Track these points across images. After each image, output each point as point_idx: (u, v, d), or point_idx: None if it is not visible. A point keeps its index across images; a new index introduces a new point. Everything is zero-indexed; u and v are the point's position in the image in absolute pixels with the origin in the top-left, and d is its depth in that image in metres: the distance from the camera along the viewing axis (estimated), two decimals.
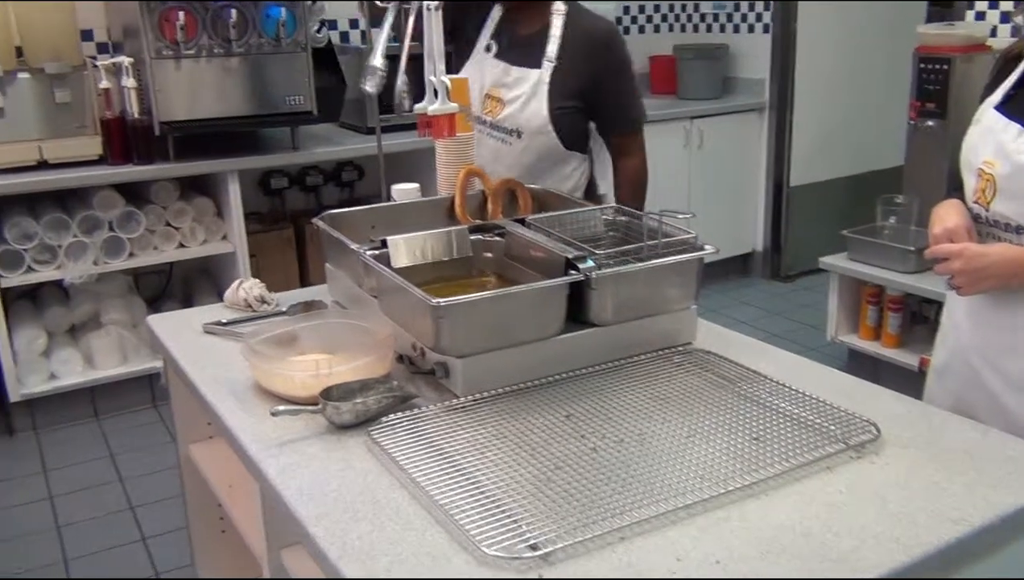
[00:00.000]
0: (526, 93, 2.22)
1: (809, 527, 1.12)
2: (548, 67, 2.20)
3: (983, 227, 1.60)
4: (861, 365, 3.65)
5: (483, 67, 2.30)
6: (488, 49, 2.30)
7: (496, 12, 2.31)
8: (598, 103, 2.24)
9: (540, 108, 2.21)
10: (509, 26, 2.29)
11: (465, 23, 2.33)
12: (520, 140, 2.25)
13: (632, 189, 2.38)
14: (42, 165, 3.37)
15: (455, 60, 2.34)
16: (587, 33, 2.22)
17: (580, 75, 2.20)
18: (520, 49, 2.25)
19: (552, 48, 2.20)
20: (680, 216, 1.65)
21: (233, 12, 3.38)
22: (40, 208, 3.44)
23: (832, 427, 1.34)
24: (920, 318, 3.59)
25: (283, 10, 3.47)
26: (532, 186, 2.09)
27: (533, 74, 2.22)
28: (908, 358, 3.49)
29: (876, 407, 1.41)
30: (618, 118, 2.32)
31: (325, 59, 3.80)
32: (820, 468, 1.25)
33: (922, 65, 3.64)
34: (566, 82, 2.21)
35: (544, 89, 2.20)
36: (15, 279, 3.36)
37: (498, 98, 2.27)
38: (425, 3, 1.88)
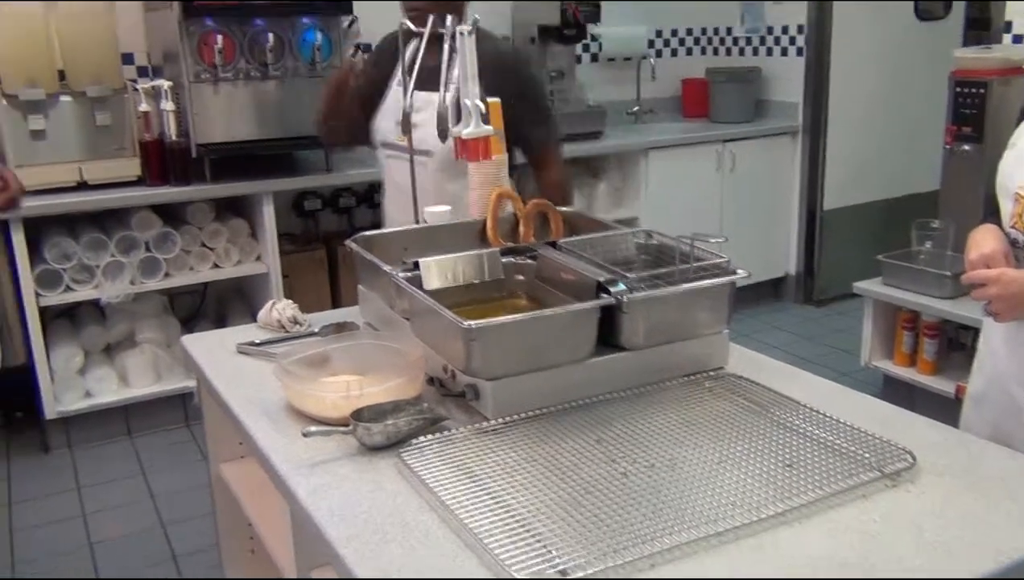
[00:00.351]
0: (433, 115, 2.28)
1: (845, 557, 1.10)
2: (453, 89, 2.25)
3: (1020, 252, 1.57)
4: (896, 392, 3.60)
5: (395, 98, 2.43)
6: (400, 83, 2.41)
7: (410, 49, 2.40)
8: (506, 123, 2.26)
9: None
10: (424, 60, 2.36)
11: (380, 70, 2.52)
12: (432, 159, 2.36)
13: (549, 199, 2.37)
14: (82, 186, 3.43)
15: (376, 101, 2.53)
16: (491, 57, 2.27)
17: (492, 91, 2.23)
18: (428, 77, 2.31)
19: (456, 72, 2.24)
20: (712, 240, 1.65)
21: (270, 36, 3.44)
22: (79, 228, 3.50)
23: (866, 455, 1.32)
24: (956, 344, 3.54)
25: (319, 34, 3.53)
26: (564, 209, 2.10)
27: (434, 97, 2.27)
28: (944, 385, 3.44)
29: (911, 435, 1.39)
30: (527, 137, 2.41)
31: None
32: (855, 496, 1.23)
33: (958, 89, 3.61)
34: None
35: (449, 110, 2.27)
36: (54, 298, 3.41)
37: (409, 123, 2.37)
38: (458, 28, 1.90)
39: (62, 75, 3.50)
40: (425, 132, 2.32)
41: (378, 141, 2.55)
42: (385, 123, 2.50)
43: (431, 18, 2.26)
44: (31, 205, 3.21)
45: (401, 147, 2.42)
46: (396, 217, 2.55)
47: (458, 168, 2.31)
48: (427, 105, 2.32)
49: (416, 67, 2.35)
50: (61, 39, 3.48)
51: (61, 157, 3.43)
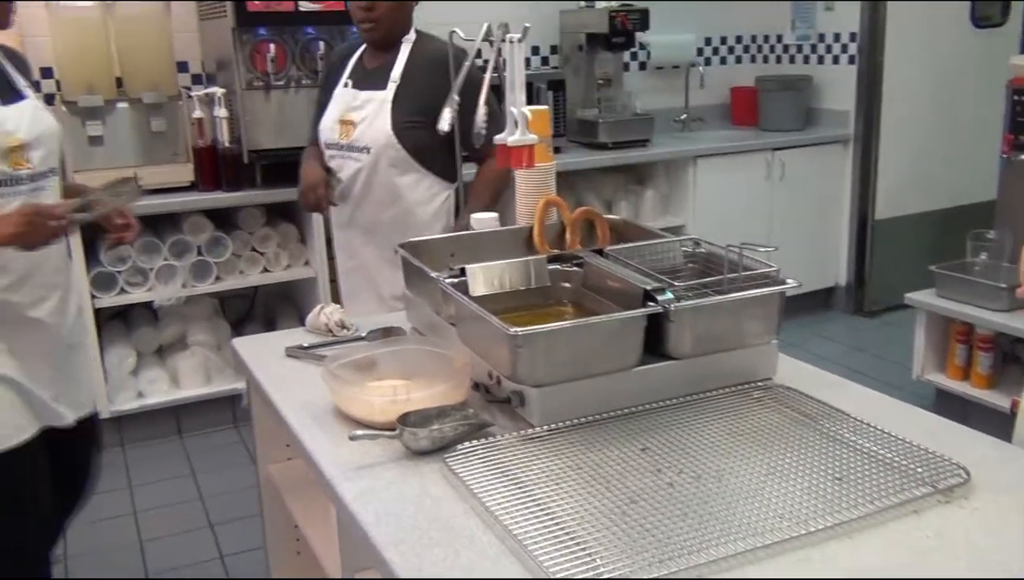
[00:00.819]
0: (372, 112, 2.47)
1: (896, 574, 1.08)
2: (392, 87, 2.45)
3: None
4: (949, 405, 3.52)
5: (339, 99, 2.58)
6: (345, 85, 2.58)
7: (354, 57, 2.59)
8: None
9: (384, 124, 2.46)
10: (363, 63, 2.57)
11: (330, 79, 2.66)
12: (370, 156, 2.49)
13: (484, 182, 2.55)
14: None
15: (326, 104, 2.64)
16: (431, 56, 2.47)
17: (423, 93, 2.41)
18: (370, 78, 2.52)
19: (396, 71, 2.46)
20: (761, 249, 1.63)
21: (321, 44, 3.49)
22: None
23: (919, 469, 1.29)
24: (1012, 358, 3.46)
25: None
26: (611, 217, 2.09)
27: (379, 95, 2.47)
28: (999, 399, 3.36)
29: (965, 450, 1.35)
30: (466, 134, 2.40)
31: None
32: (906, 511, 1.21)
33: (1016, 97, 3.53)
34: (410, 99, 2.44)
35: (388, 107, 2.45)
36: (108, 300, 3.49)
37: (349, 121, 2.52)
38: (508, 36, 1.90)
39: (119, 82, 3.58)
40: (362, 129, 2.49)
41: (322, 142, 2.63)
42: (327, 124, 2.61)
43: (383, 26, 2.44)
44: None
45: (342, 145, 2.56)
46: (335, 214, 2.69)
47: (406, 165, 2.49)
48: (366, 104, 2.49)
49: (351, 68, 2.56)
50: (119, 48, 3.56)
51: (117, 162, 3.51)
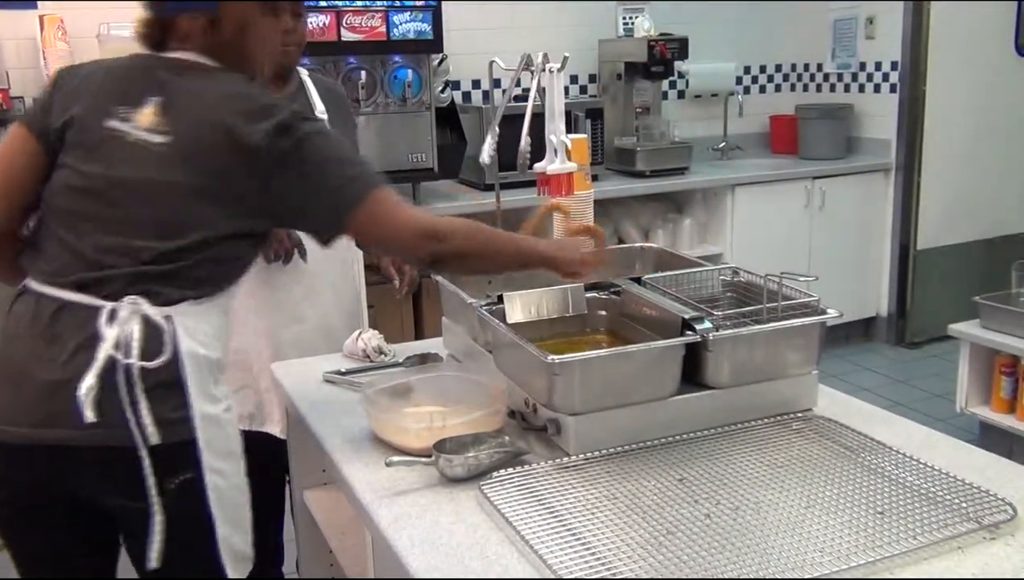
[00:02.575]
0: None
1: None
2: (324, 119, 2.26)
3: None
4: (993, 439, 3.45)
5: None
6: None
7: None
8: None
9: None
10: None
11: None
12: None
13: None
14: None
15: None
16: (330, 90, 2.38)
17: (339, 125, 2.28)
18: None
19: (317, 103, 2.30)
20: (801, 278, 1.62)
21: (363, 73, 3.54)
22: None
23: (963, 504, 1.27)
24: None
25: (410, 72, 3.62)
26: (649, 245, 2.09)
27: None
28: None
29: (1011, 485, 1.33)
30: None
31: (447, 118, 3.91)
32: (950, 548, 1.18)
33: None
34: (339, 132, 2.27)
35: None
36: None
37: None
38: (548, 65, 1.92)
39: None
40: None
41: None
42: None
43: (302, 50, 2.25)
44: None
45: None
46: None
47: None
48: None
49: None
50: None
51: None
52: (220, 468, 1.42)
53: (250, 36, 1.51)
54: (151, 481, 1.34)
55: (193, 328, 1.41)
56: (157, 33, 1.49)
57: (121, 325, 1.35)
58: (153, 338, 1.36)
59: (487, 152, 2.08)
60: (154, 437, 1.34)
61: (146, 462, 1.34)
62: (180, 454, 1.38)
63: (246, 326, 2.16)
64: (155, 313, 1.37)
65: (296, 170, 1.40)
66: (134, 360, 1.34)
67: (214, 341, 1.45)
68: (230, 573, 1.45)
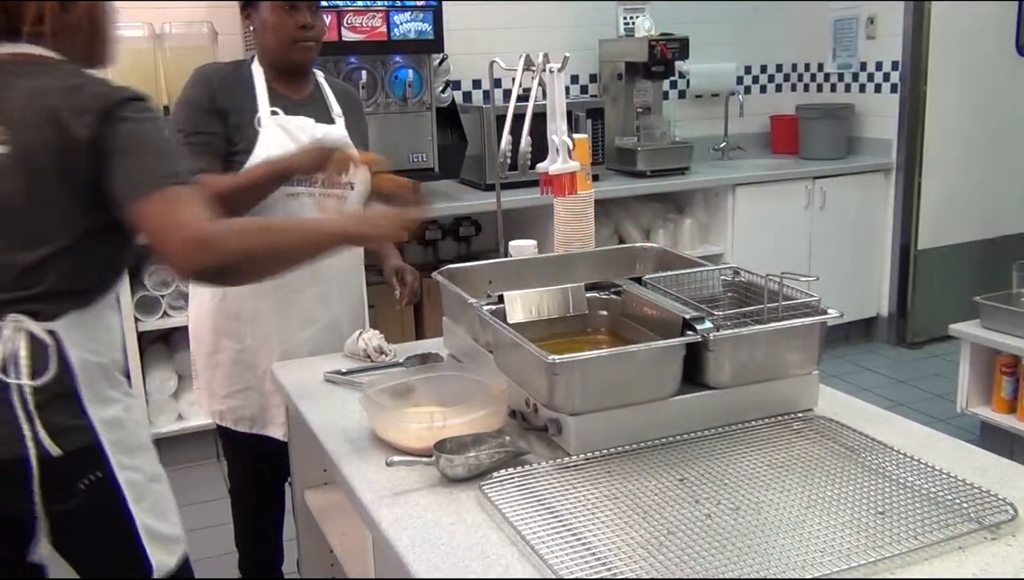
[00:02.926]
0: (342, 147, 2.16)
1: None
2: (340, 122, 2.26)
3: None
4: (994, 440, 3.45)
5: (286, 128, 2.15)
6: (275, 114, 2.16)
7: (259, 85, 2.18)
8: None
9: None
10: (280, 95, 2.20)
11: (229, 107, 2.15)
12: (354, 192, 2.20)
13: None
14: None
15: (233, 134, 2.14)
16: (346, 93, 2.36)
17: (353, 126, 2.27)
18: (303, 110, 2.20)
19: (335, 105, 2.27)
20: (802, 278, 1.62)
21: (364, 73, 3.55)
22: None
23: (964, 505, 1.27)
24: None
25: (411, 72, 3.62)
26: (649, 245, 2.09)
27: (335, 129, 2.23)
28: None
29: (1013, 485, 1.33)
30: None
31: (448, 118, 3.91)
32: (951, 548, 1.18)
33: None
34: (352, 135, 2.26)
35: (349, 142, 2.21)
36: (151, 323, 3.55)
37: None
38: (548, 65, 1.92)
39: (167, 110, 3.65)
40: None
41: (268, 179, 2.06)
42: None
43: (319, 46, 2.21)
44: None
45: (315, 182, 2.14)
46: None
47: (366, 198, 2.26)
48: (327, 137, 2.17)
49: (269, 97, 2.16)
50: (167, 75, 3.63)
51: None
52: (131, 464, 1.44)
53: (98, 17, 1.47)
54: (37, 491, 1.36)
55: (81, 338, 1.40)
56: (3, 20, 1.41)
57: (4, 343, 1.35)
58: (39, 354, 1.36)
59: (504, 150, 2.05)
60: (53, 449, 1.35)
61: (34, 472, 1.35)
62: (84, 459, 1.39)
63: (256, 327, 2.15)
64: (39, 329, 1.37)
65: (119, 153, 1.35)
66: (23, 380, 1.35)
67: (105, 345, 1.45)
68: (159, 555, 1.47)
